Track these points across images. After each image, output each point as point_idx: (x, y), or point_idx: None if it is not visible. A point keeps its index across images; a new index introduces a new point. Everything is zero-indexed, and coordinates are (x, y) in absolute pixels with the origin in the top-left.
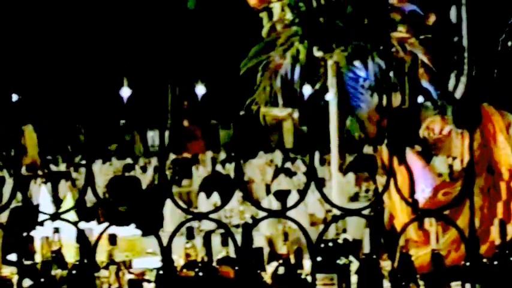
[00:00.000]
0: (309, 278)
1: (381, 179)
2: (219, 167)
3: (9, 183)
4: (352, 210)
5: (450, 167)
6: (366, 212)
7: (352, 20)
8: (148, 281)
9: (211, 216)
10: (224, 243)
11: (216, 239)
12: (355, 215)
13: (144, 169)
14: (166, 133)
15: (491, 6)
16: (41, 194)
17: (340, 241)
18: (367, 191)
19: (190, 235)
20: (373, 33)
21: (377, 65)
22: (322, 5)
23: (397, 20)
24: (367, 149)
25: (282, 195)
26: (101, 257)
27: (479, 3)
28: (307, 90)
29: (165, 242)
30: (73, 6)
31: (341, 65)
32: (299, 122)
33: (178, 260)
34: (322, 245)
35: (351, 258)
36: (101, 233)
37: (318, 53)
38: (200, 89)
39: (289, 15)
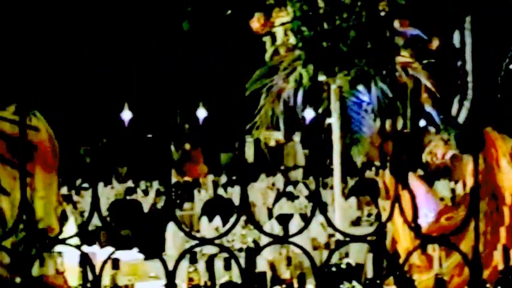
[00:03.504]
0: None
1: (383, 203)
2: (220, 191)
3: None
4: (356, 236)
5: (453, 191)
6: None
7: (355, 44)
8: None
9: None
10: (227, 268)
11: (218, 263)
12: (359, 241)
13: (145, 192)
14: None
15: (495, 31)
16: None
17: (343, 266)
18: (369, 215)
19: (193, 259)
20: (377, 58)
21: (380, 89)
22: (326, 30)
23: (400, 44)
24: (369, 173)
25: (284, 219)
26: (104, 281)
27: (482, 28)
28: (309, 114)
29: (167, 265)
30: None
31: (344, 89)
32: (302, 146)
33: (181, 285)
34: (326, 270)
35: (354, 283)
36: (106, 259)
37: (321, 77)
38: (201, 112)
39: (292, 40)
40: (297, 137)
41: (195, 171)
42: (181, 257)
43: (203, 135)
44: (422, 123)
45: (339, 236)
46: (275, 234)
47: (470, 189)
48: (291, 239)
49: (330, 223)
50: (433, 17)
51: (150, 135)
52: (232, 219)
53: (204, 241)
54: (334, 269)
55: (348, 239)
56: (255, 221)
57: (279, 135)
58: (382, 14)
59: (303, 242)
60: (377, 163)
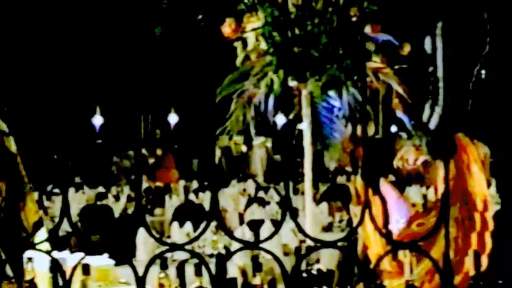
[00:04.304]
0: None
1: (354, 209)
2: (192, 196)
3: None
4: (327, 242)
5: (424, 196)
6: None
7: (326, 49)
8: None
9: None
10: (198, 274)
11: (189, 269)
12: (330, 247)
13: (116, 198)
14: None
15: (466, 37)
16: None
17: (314, 272)
18: (340, 221)
19: (163, 265)
20: (348, 63)
21: (351, 95)
22: (297, 35)
23: (372, 50)
24: (341, 179)
25: (255, 225)
26: (74, 287)
27: (454, 34)
28: (280, 119)
29: (137, 271)
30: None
31: (315, 94)
32: (273, 151)
33: None
34: (297, 276)
35: None
36: (76, 265)
37: (292, 83)
38: (173, 118)
39: (263, 45)
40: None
41: (167, 177)
42: (151, 262)
43: (174, 141)
44: (393, 128)
45: (309, 242)
46: (246, 240)
47: (441, 196)
48: (261, 245)
49: (300, 229)
50: (404, 22)
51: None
52: (202, 225)
53: (174, 247)
54: (305, 275)
55: (318, 244)
56: (225, 226)
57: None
58: (354, 19)
59: (273, 247)
60: (348, 169)
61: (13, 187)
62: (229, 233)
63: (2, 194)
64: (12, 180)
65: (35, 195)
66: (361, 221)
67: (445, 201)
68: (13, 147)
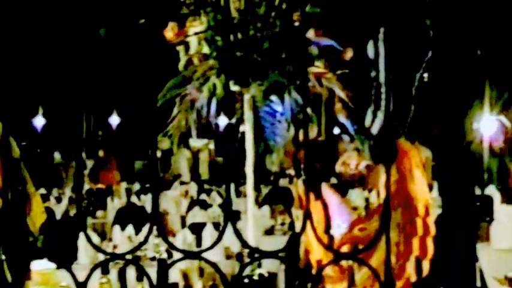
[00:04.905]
0: None
1: (296, 212)
2: (134, 198)
3: None
4: (267, 252)
5: (366, 200)
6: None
7: (269, 54)
8: None
9: (127, 250)
10: (139, 279)
11: (131, 273)
12: (270, 257)
13: (58, 200)
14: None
15: (409, 42)
16: None
17: (255, 277)
18: (282, 224)
19: (105, 270)
20: (290, 68)
21: (294, 99)
22: (240, 39)
23: (314, 54)
24: (283, 182)
25: (197, 228)
26: None
27: (396, 39)
28: (223, 121)
29: (79, 275)
30: None
31: (257, 99)
32: (215, 154)
33: None
34: (238, 282)
35: None
36: (18, 268)
37: (234, 87)
38: (114, 119)
39: (206, 49)
40: (211, 145)
41: (109, 179)
42: (92, 270)
43: (117, 142)
44: (336, 131)
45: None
46: (188, 242)
47: (383, 201)
48: (200, 252)
49: (240, 237)
50: (347, 27)
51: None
52: (144, 232)
53: (114, 256)
54: (246, 280)
55: (257, 255)
56: (165, 235)
57: (195, 143)
58: (297, 24)
59: (215, 251)
60: (291, 172)
61: (18, 192)
62: (169, 243)
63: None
64: (16, 186)
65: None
66: (302, 230)
67: (385, 208)
68: (17, 152)
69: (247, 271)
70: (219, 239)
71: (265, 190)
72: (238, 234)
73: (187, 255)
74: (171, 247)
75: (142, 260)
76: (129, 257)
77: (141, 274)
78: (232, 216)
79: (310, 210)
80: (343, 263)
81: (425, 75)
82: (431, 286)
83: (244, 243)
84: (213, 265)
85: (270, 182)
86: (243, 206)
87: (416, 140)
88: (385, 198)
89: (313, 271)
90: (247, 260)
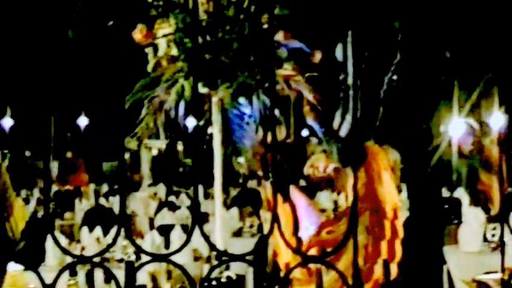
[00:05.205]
0: None
1: (265, 214)
2: (102, 200)
3: None
4: (235, 255)
5: (335, 202)
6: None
7: (237, 56)
8: None
9: (94, 253)
10: (107, 281)
11: (99, 275)
12: (238, 260)
13: (26, 201)
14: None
15: (378, 44)
16: None
17: (223, 279)
18: (251, 226)
19: (73, 272)
20: (259, 71)
21: (262, 101)
22: (208, 42)
23: (283, 57)
24: (252, 184)
25: (165, 230)
26: None
27: (365, 41)
28: (191, 123)
29: (47, 276)
30: None
31: (226, 101)
32: (183, 155)
33: None
34: (206, 284)
35: None
36: None
37: (202, 90)
38: (83, 121)
39: (174, 51)
40: (180, 147)
41: (77, 180)
42: (60, 272)
43: (85, 144)
44: (304, 133)
45: (220, 248)
46: (156, 244)
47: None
48: (168, 255)
49: (207, 240)
50: (316, 30)
51: None
52: (112, 234)
53: (81, 259)
54: (214, 282)
55: (225, 258)
56: (132, 238)
57: (162, 144)
58: (265, 26)
59: (184, 253)
60: (260, 173)
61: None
62: (136, 245)
63: None
64: None
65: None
66: (269, 233)
67: (353, 211)
68: None
69: (215, 273)
70: (186, 241)
71: (234, 192)
72: (205, 237)
73: (155, 258)
74: (139, 250)
75: (110, 262)
76: (96, 259)
77: (109, 276)
78: (200, 218)
79: (278, 212)
80: (311, 265)
81: (395, 77)
82: None
83: (211, 246)
84: (180, 268)
85: (238, 184)
86: (211, 208)
87: (385, 143)
88: (353, 201)
89: (281, 273)
90: (215, 262)
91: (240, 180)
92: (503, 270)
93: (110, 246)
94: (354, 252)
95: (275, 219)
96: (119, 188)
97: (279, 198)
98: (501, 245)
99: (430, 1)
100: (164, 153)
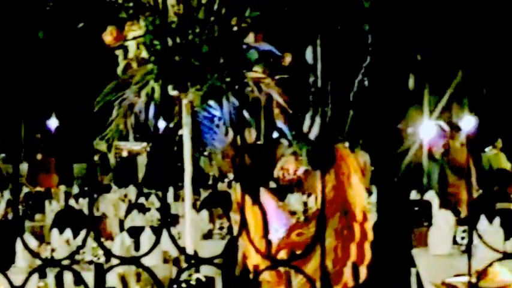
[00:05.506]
0: None
1: (235, 217)
2: (72, 202)
3: None
4: (204, 259)
5: (305, 204)
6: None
7: (207, 59)
8: None
9: (64, 255)
10: (77, 283)
11: (68, 277)
12: (206, 263)
13: None
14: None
15: (348, 47)
16: None
17: (193, 282)
18: (221, 228)
19: (42, 274)
20: (229, 73)
21: (232, 104)
22: (178, 44)
23: (254, 59)
24: (222, 186)
25: (135, 232)
26: None
27: (335, 44)
28: (162, 125)
29: (16, 279)
30: None
31: (195, 104)
32: (153, 157)
33: None
34: (175, 287)
35: None
36: None
37: (172, 92)
38: (53, 122)
39: (144, 54)
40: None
41: (47, 182)
42: (29, 275)
43: (55, 145)
44: (275, 135)
45: (189, 250)
46: (126, 246)
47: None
48: (136, 258)
49: (175, 243)
50: (286, 32)
51: None
52: (82, 236)
53: (50, 262)
54: (184, 285)
55: (193, 261)
56: (101, 240)
57: (134, 146)
58: (235, 29)
59: (153, 255)
60: (231, 175)
61: None
62: (104, 248)
63: None
64: None
65: None
66: (237, 236)
67: (321, 215)
68: None
69: (185, 276)
70: (155, 244)
71: (204, 194)
72: (173, 239)
73: (123, 261)
74: (107, 252)
75: (80, 264)
76: (65, 262)
77: (79, 278)
78: (168, 221)
79: (248, 215)
80: (281, 268)
81: (365, 80)
82: None
83: (179, 249)
84: (148, 271)
85: (209, 186)
86: (182, 210)
87: (355, 145)
88: (321, 205)
89: (251, 276)
90: (184, 264)
91: (211, 182)
92: (469, 273)
93: (79, 248)
94: (321, 255)
95: (243, 223)
96: (87, 190)
97: (249, 200)
98: (468, 248)
99: (401, 3)
100: (148, 156)
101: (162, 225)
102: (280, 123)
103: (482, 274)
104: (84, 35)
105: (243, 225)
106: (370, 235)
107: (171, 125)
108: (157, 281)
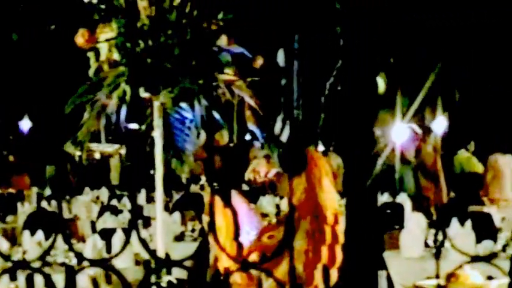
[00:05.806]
0: None
1: (207, 219)
2: (44, 203)
3: None
4: (173, 261)
5: (277, 206)
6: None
7: (179, 61)
8: None
9: (36, 257)
10: (48, 285)
11: (39, 279)
12: (176, 265)
13: None
14: None
15: (320, 50)
16: None
17: (163, 284)
18: (192, 230)
19: (13, 276)
20: (200, 75)
21: (204, 106)
22: (150, 46)
23: (226, 62)
24: (195, 188)
25: (107, 234)
26: None
27: (307, 46)
28: (134, 127)
29: None
30: None
31: (167, 106)
32: (126, 159)
33: None
34: None
35: None
36: None
37: (144, 94)
38: (25, 124)
39: (116, 56)
40: (123, 150)
41: (20, 183)
42: None
43: (28, 147)
44: (247, 137)
45: (161, 253)
46: (98, 248)
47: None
48: (106, 260)
49: (145, 245)
50: (258, 35)
51: None
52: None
53: (20, 264)
54: (154, 287)
55: (163, 264)
56: (70, 243)
57: (106, 148)
58: (207, 31)
59: (124, 257)
60: (203, 177)
61: None
62: (74, 250)
63: None
64: None
65: None
66: (206, 238)
67: (289, 217)
68: None
69: (155, 278)
70: (124, 246)
71: (176, 196)
72: (143, 242)
73: (93, 263)
74: (77, 255)
75: (52, 266)
76: (36, 264)
77: (49, 281)
78: (137, 222)
79: (219, 217)
80: (252, 270)
81: (337, 83)
82: None
83: (149, 252)
84: (117, 273)
85: (181, 188)
86: (154, 212)
87: (326, 148)
88: (289, 208)
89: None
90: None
91: (183, 184)
92: (437, 276)
93: (47, 250)
94: (290, 258)
95: (211, 226)
96: (57, 192)
97: (221, 203)
98: (437, 250)
99: (374, 6)
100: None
101: (131, 227)
102: (251, 125)
103: (451, 277)
104: (56, 37)
105: (211, 227)
106: (342, 238)
107: (143, 127)
108: (127, 284)
